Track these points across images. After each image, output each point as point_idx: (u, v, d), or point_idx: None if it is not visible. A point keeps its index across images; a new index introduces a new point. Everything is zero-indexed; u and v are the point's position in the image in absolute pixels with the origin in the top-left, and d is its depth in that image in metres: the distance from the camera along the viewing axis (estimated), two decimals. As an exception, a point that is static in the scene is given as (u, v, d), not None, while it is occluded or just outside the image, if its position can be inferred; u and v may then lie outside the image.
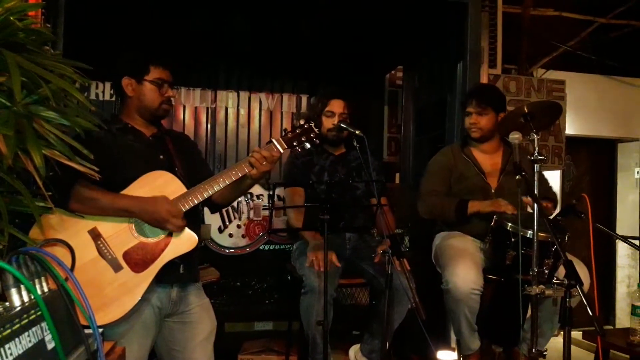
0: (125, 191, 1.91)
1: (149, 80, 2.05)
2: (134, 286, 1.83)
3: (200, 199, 1.94)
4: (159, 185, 1.93)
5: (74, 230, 1.82)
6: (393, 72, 5.02)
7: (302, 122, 2.12)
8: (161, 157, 2.09)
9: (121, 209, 1.86)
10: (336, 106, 2.89)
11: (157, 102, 2.08)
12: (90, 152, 1.36)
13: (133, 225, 1.89)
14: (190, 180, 2.01)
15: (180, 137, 2.34)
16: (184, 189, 1.95)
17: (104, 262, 1.83)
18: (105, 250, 1.84)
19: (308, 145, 2.10)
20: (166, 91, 2.09)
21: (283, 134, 2.09)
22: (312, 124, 2.10)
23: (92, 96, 4.39)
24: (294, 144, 2.07)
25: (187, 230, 1.93)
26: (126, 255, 1.85)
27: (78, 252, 1.74)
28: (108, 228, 1.86)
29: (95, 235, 1.84)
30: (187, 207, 1.92)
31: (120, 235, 1.87)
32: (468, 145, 2.92)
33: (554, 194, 2.95)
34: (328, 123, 2.88)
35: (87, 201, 1.83)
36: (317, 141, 2.12)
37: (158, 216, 1.86)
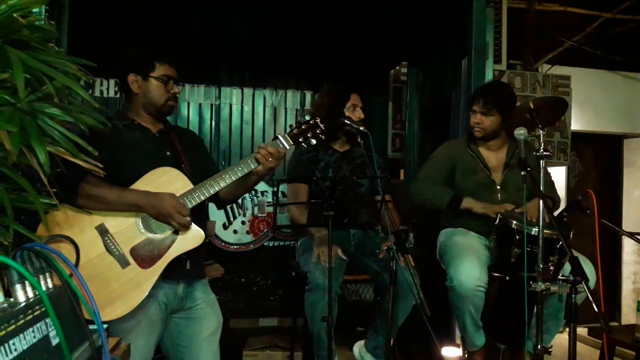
0: (132, 187, 1.91)
1: (154, 77, 2.06)
2: (141, 282, 1.84)
3: (207, 195, 1.94)
4: (166, 181, 1.93)
5: (81, 227, 1.83)
6: (397, 68, 5.00)
7: (307, 118, 2.12)
8: (167, 153, 2.10)
9: (128, 204, 1.87)
10: (357, 100, 2.93)
11: (163, 98, 2.09)
12: (96, 150, 1.36)
13: (140, 221, 1.90)
14: (197, 176, 2.01)
15: (187, 134, 2.34)
16: (190, 186, 1.95)
17: (111, 257, 1.83)
18: (113, 246, 1.84)
19: (314, 142, 2.09)
20: (172, 88, 2.10)
21: (289, 130, 2.09)
22: (318, 120, 2.09)
23: (97, 93, 4.40)
24: (300, 140, 2.07)
25: (193, 226, 1.93)
26: (133, 251, 1.86)
27: (85, 248, 1.77)
28: (115, 224, 1.87)
29: (102, 231, 1.85)
30: (194, 204, 1.92)
31: (128, 231, 1.88)
32: (474, 141, 2.91)
33: (558, 195, 2.94)
34: (353, 116, 2.88)
35: (94, 197, 1.84)
36: (323, 137, 2.11)
37: (164, 211, 1.86)
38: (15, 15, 1.12)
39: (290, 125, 2.11)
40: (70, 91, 1.25)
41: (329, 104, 2.87)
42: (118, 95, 4.38)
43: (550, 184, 2.87)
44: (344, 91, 2.94)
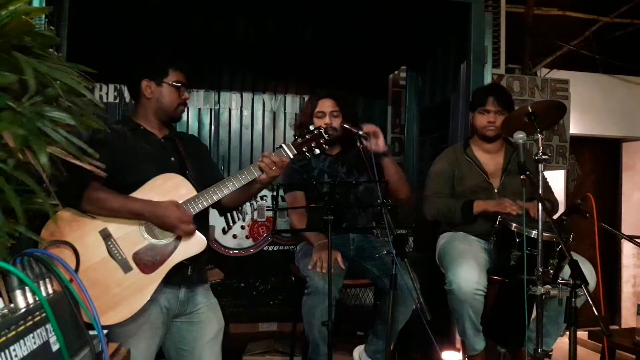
0: (136, 193, 1.93)
1: (168, 83, 2.09)
2: (143, 287, 1.85)
3: (210, 202, 1.96)
4: (170, 187, 1.95)
5: (85, 231, 1.84)
6: (396, 72, 5.01)
7: (311, 127, 2.12)
8: (172, 159, 2.12)
9: (132, 212, 1.88)
10: (325, 105, 2.85)
11: (175, 104, 2.13)
12: (101, 154, 1.36)
13: (143, 226, 1.91)
14: (201, 183, 2.03)
15: (191, 140, 2.37)
16: (194, 192, 1.97)
17: (114, 262, 1.84)
18: (116, 251, 1.85)
19: (317, 151, 2.11)
20: (183, 93, 2.13)
21: (293, 139, 2.11)
22: (322, 130, 2.11)
23: (96, 98, 4.40)
24: (304, 149, 2.09)
25: (196, 232, 1.94)
26: (136, 256, 1.87)
27: (88, 252, 1.78)
28: (119, 229, 1.88)
29: (105, 235, 1.86)
30: (197, 210, 1.94)
31: (131, 236, 1.89)
32: (470, 146, 2.92)
33: (555, 198, 2.94)
34: (320, 123, 2.85)
35: (98, 204, 1.85)
36: (327, 147, 2.14)
37: (168, 221, 1.88)
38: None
39: (294, 135, 2.12)
40: (73, 95, 1.25)
41: (302, 112, 2.87)
42: (117, 101, 4.39)
43: (547, 187, 2.87)
44: (311, 99, 2.91)
